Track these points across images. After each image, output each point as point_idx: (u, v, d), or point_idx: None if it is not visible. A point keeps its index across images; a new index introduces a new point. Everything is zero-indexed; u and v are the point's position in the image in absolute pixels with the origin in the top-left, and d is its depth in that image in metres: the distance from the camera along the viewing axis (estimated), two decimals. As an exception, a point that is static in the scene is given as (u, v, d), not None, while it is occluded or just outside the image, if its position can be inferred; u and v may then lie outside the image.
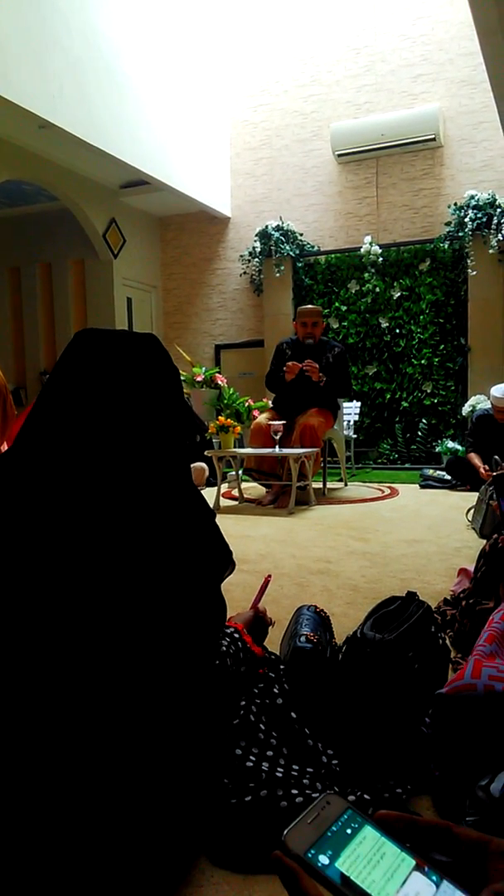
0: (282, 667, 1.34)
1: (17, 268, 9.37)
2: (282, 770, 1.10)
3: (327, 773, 1.16)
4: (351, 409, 7.56)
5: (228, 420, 5.35)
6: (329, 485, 5.79)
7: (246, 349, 9.43)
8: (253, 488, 5.75)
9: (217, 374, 7.49)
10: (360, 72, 8.56)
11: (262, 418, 5.32)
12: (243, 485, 5.53)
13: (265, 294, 8.96)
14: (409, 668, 1.29)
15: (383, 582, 2.67)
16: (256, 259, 8.79)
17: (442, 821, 0.49)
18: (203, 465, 6.09)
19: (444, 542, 3.45)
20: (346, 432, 6.90)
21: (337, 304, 8.54)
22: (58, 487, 0.90)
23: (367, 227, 8.58)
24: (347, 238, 8.71)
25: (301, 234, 8.75)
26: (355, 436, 7.74)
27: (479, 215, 7.47)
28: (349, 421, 7.39)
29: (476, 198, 7.54)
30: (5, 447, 2.23)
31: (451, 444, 7.28)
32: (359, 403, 7.86)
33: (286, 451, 4.74)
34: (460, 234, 7.65)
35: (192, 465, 5.82)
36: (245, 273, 9.23)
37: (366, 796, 1.08)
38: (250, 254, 8.83)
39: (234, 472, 5.50)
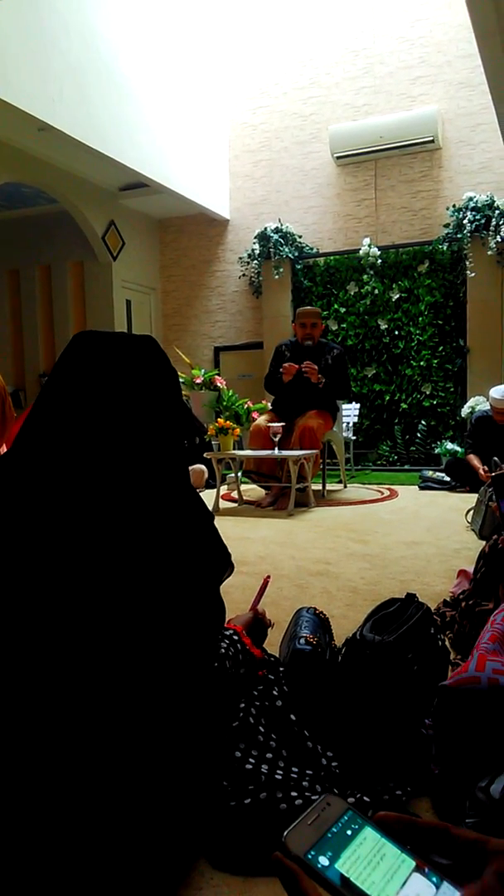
0: (281, 669, 1.34)
1: (16, 270, 9.37)
2: (281, 772, 1.09)
3: (327, 775, 1.15)
4: (350, 411, 7.57)
5: (228, 422, 5.36)
6: (328, 486, 5.79)
7: (245, 351, 9.44)
8: (252, 490, 5.74)
9: (216, 377, 7.49)
10: (359, 74, 8.57)
11: (261, 420, 5.32)
12: (242, 487, 5.53)
13: (264, 296, 8.97)
14: (408, 670, 1.29)
15: (383, 583, 2.67)
16: (255, 261, 8.80)
17: (441, 822, 0.49)
18: (202, 467, 6.09)
19: (443, 544, 3.45)
20: (345, 434, 6.90)
21: (336, 306, 8.55)
22: (56, 490, 0.90)
23: (366, 229, 8.59)
24: (346, 240, 8.72)
25: (300, 237, 8.76)
26: (354, 437, 7.75)
27: (477, 217, 7.48)
28: (348, 423, 7.40)
29: (474, 200, 7.55)
30: (4, 449, 2.22)
31: (450, 446, 7.29)
32: (358, 405, 7.87)
33: (285, 452, 4.74)
34: (459, 235, 7.66)
35: (191, 468, 5.83)
36: (244, 275, 9.24)
37: (365, 798, 1.08)
38: (249, 256, 8.84)
39: (233, 474, 5.50)
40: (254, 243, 8.74)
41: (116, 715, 0.85)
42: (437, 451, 7.57)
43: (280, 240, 8.50)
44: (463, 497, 5.11)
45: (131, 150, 7.23)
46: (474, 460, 5.27)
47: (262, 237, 8.60)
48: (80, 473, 0.91)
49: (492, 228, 7.43)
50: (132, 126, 7.23)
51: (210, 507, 4.82)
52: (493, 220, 7.42)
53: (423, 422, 8.15)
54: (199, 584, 0.97)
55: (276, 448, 4.76)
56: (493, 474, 2.61)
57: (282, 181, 9.11)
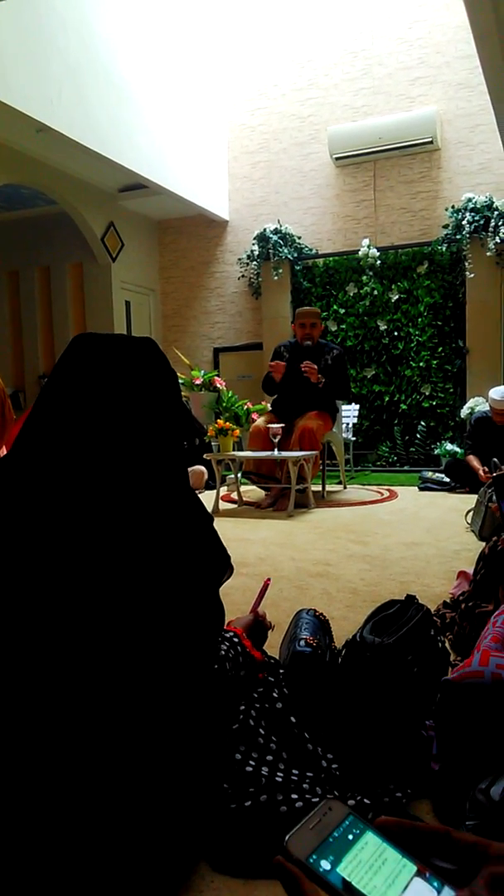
0: (281, 671, 1.34)
1: (15, 271, 9.37)
2: (281, 774, 1.09)
3: (327, 777, 1.15)
4: (350, 412, 7.57)
5: (227, 423, 5.36)
6: (328, 487, 5.79)
7: (244, 352, 9.44)
8: (252, 491, 5.74)
9: (216, 378, 7.49)
10: (358, 75, 8.58)
11: (260, 421, 5.32)
12: (242, 488, 5.53)
13: (263, 297, 8.97)
14: (408, 672, 1.29)
15: (382, 585, 2.67)
16: (254, 262, 8.81)
17: (441, 826, 0.49)
18: (202, 468, 6.09)
19: (443, 545, 3.45)
20: (344, 435, 6.90)
21: (335, 307, 8.55)
22: (56, 492, 0.90)
23: (365, 230, 8.59)
24: (345, 241, 8.73)
25: (299, 238, 8.76)
26: (354, 438, 7.75)
27: (476, 218, 7.49)
28: (348, 423, 7.40)
29: (473, 200, 7.55)
30: (4, 451, 2.22)
31: (449, 447, 7.29)
32: (357, 406, 7.87)
33: (285, 454, 4.74)
34: (458, 236, 7.67)
35: (191, 469, 5.83)
36: (243, 276, 9.25)
37: (366, 800, 1.08)
38: (248, 257, 8.84)
39: (233, 476, 5.50)
40: (253, 244, 8.74)
41: (117, 717, 0.85)
42: (436, 451, 7.57)
43: (279, 241, 8.51)
44: (462, 498, 5.11)
45: (130, 152, 7.23)
46: (474, 461, 5.28)
47: (262, 238, 8.60)
48: (79, 476, 0.90)
49: (491, 229, 7.43)
50: (131, 127, 7.23)
51: (210, 509, 4.83)
52: (492, 220, 7.43)
53: (422, 423, 8.15)
54: (198, 587, 0.97)
55: (276, 449, 4.76)
56: (494, 475, 2.61)
57: (281, 182, 9.12)
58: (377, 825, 0.48)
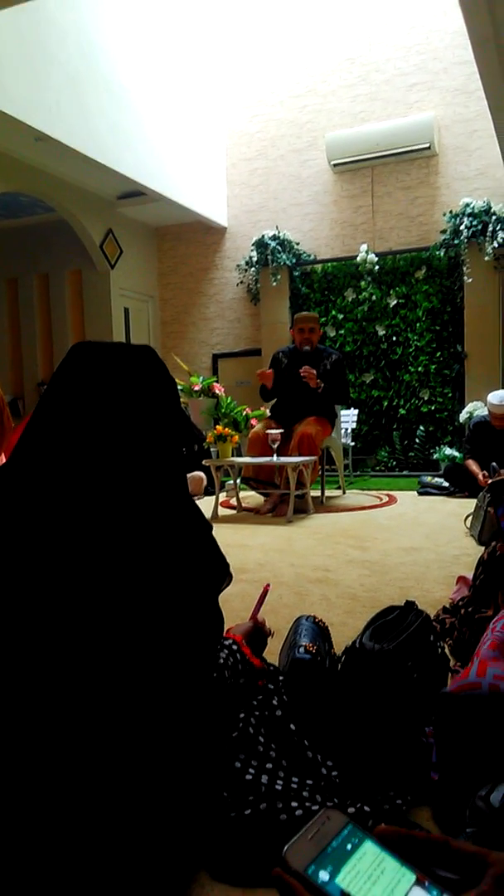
0: (281, 678, 1.34)
1: (14, 279, 9.39)
2: (281, 782, 1.09)
3: (327, 784, 1.15)
4: (349, 417, 7.57)
5: (226, 429, 5.35)
6: (327, 493, 5.78)
7: (243, 358, 9.45)
8: (251, 497, 5.74)
9: (214, 383, 7.49)
10: (355, 82, 8.61)
11: (259, 427, 5.32)
12: (241, 494, 5.52)
13: (262, 303, 8.98)
14: (408, 678, 1.29)
15: (382, 590, 2.66)
16: (253, 268, 8.82)
17: (440, 835, 0.49)
18: (201, 474, 6.09)
19: (442, 550, 3.45)
20: (343, 440, 6.90)
21: (334, 313, 8.56)
22: (55, 500, 0.90)
23: (363, 236, 8.61)
24: (343, 247, 8.74)
25: (297, 244, 8.78)
26: (353, 443, 7.74)
27: (474, 223, 7.50)
28: (347, 429, 7.39)
29: (471, 206, 7.57)
30: (3, 459, 2.23)
31: (448, 451, 7.29)
32: (356, 411, 7.87)
33: (284, 459, 4.74)
34: (456, 241, 7.68)
35: (190, 475, 5.82)
36: (242, 282, 9.26)
37: (366, 808, 1.08)
38: (247, 263, 8.86)
39: (232, 481, 5.50)
40: (251, 251, 8.75)
41: (115, 726, 0.85)
42: (435, 456, 7.57)
43: (277, 247, 8.52)
44: (461, 502, 5.11)
45: (129, 159, 7.25)
46: (473, 465, 5.28)
47: (260, 244, 8.62)
48: (78, 484, 0.91)
49: (488, 234, 7.44)
50: (129, 135, 7.25)
51: (209, 515, 4.84)
52: (490, 225, 7.44)
53: (421, 427, 8.15)
54: (197, 595, 0.97)
55: (275, 455, 4.76)
56: (490, 482, 2.62)
57: (279, 189, 9.14)
58: (376, 834, 0.48)
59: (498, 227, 7.41)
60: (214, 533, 1.06)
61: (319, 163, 8.82)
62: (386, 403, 8.37)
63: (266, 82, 9.11)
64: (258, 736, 1.16)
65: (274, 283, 8.63)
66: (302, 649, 1.46)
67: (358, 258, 8.26)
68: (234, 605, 2.26)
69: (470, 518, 3.82)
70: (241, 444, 6.25)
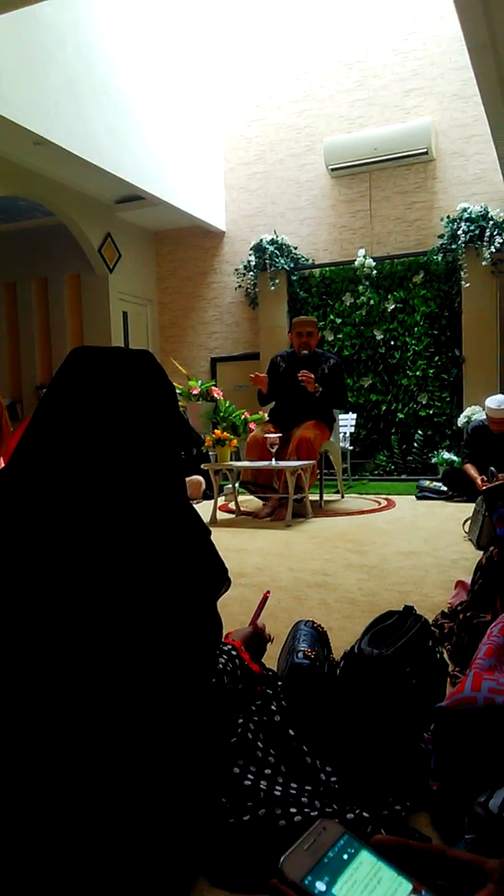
0: (279, 683, 1.34)
1: (13, 283, 9.39)
2: (280, 788, 1.09)
3: (326, 790, 1.15)
4: (347, 421, 7.57)
5: (225, 433, 5.36)
6: (326, 497, 5.78)
7: (242, 362, 9.44)
8: (250, 501, 5.74)
9: (213, 387, 7.49)
10: (353, 87, 8.63)
11: (258, 431, 5.32)
12: (240, 498, 5.52)
13: (260, 307, 8.99)
14: (406, 684, 1.29)
15: (381, 595, 2.66)
16: (251, 272, 8.83)
17: (436, 845, 0.49)
18: (200, 478, 6.08)
19: (441, 554, 3.44)
20: (342, 444, 6.90)
21: (332, 317, 8.57)
22: (53, 505, 0.90)
23: (361, 241, 8.63)
24: (341, 251, 8.76)
25: (295, 248, 8.79)
26: (351, 447, 7.74)
27: (471, 228, 7.52)
28: (345, 433, 7.40)
29: (468, 210, 7.59)
30: (2, 463, 2.23)
31: (447, 455, 7.29)
32: (355, 415, 7.87)
33: (282, 463, 4.74)
34: (453, 246, 7.70)
35: (188, 479, 5.82)
36: (240, 286, 9.27)
37: (365, 814, 1.08)
38: (245, 267, 8.87)
39: (230, 486, 5.50)
40: (249, 255, 8.77)
41: (113, 731, 0.84)
42: (433, 460, 7.57)
43: (276, 251, 8.53)
44: (460, 507, 5.12)
45: (127, 163, 7.27)
46: (471, 470, 5.28)
47: (258, 249, 8.63)
48: (76, 489, 0.91)
49: (486, 239, 7.46)
50: (128, 139, 7.27)
51: (207, 519, 4.83)
52: (487, 230, 7.46)
53: (419, 431, 8.16)
54: (195, 600, 0.97)
55: (274, 459, 4.76)
56: (484, 488, 2.62)
57: (277, 193, 9.16)
58: (372, 844, 0.48)
59: (495, 232, 7.43)
60: (213, 537, 1.06)
61: (317, 167, 8.85)
62: (384, 407, 8.37)
63: (264, 87, 9.14)
64: (257, 741, 1.15)
65: (272, 288, 8.64)
66: (301, 654, 1.45)
67: (356, 262, 8.28)
68: (233, 610, 2.25)
69: (468, 522, 3.82)
70: (240, 448, 6.25)
